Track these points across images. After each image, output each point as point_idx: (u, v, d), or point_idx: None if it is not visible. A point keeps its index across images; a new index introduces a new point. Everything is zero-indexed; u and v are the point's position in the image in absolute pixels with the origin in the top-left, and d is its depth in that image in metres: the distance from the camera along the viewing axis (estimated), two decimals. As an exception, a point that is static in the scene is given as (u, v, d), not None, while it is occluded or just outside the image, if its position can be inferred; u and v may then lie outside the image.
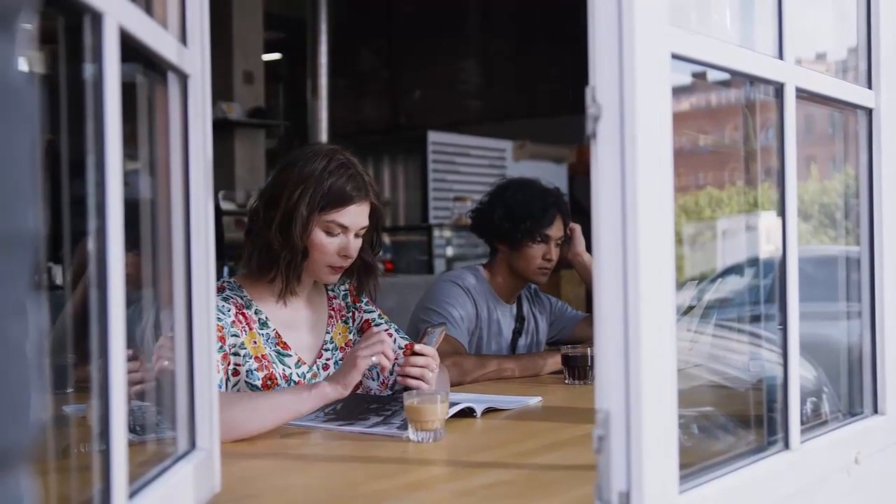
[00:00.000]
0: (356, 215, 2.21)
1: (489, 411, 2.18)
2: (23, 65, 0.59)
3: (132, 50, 1.12)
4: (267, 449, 1.86)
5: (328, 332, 2.35)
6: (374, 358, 1.98)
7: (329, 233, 2.19)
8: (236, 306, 2.18)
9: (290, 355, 2.24)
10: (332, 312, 2.38)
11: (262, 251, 2.20)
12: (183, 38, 1.35)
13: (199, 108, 1.38)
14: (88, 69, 1.02)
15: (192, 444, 1.37)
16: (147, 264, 1.37)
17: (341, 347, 2.36)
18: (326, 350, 2.33)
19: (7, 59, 0.57)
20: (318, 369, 2.29)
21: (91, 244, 1.02)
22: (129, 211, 1.07)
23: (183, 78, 1.35)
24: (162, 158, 1.36)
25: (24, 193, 0.57)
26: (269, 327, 2.23)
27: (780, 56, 1.52)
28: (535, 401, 2.36)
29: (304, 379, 2.25)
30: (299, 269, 2.21)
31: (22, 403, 0.57)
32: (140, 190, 1.36)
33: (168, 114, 1.35)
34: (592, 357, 2.66)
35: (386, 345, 2.02)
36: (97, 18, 1.00)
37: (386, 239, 7.79)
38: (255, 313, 2.22)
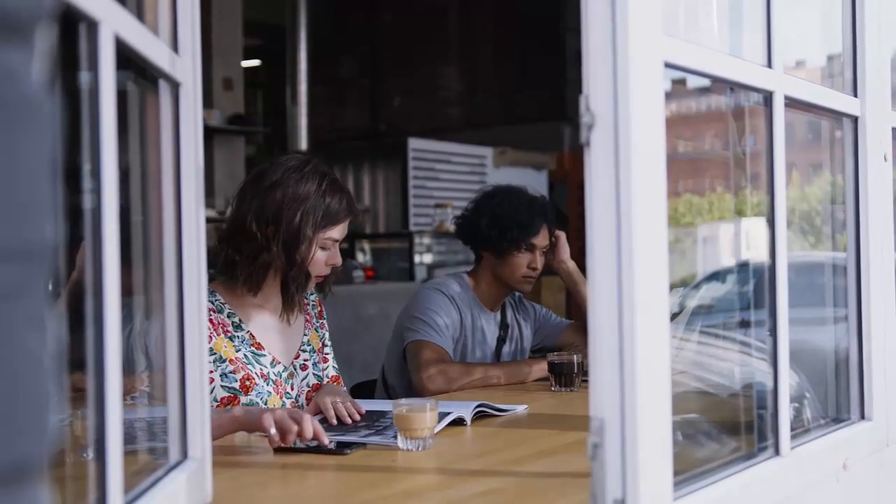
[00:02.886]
0: (345, 228, 2.34)
1: (479, 417, 2.18)
2: (41, 75, 0.59)
3: (124, 57, 1.11)
4: (258, 459, 1.85)
5: (305, 335, 2.42)
6: (272, 431, 1.81)
7: (323, 248, 2.29)
8: None
9: (265, 355, 2.29)
10: (308, 317, 2.46)
11: (261, 269, 2.25)
12: (175, 47, 1.35)
13: (190, 116, 1.37)
14: (83, 76, 1.01)
15: (184, 454, 1.37)
16: (137, 273, 1.36)
17: (318, 350, 2.45)
18: (304, 351, 2.41)
19: (25, 71, 0.57)
20: (295, 369, 2.36)
21: (86, 252, 1.02)
22: (120, 219, 1.06)
23: (175, 86, 1.34)
24: (153, 166, 1.35)
25: (42, 204, 0.57)
26: (243, 329, 2.28)
27: (769, 65, 1.53)
28: (521, 409, 2.36)
29: (281, 378, 2.31)
30: (306, 287, 2.31)
31: (41, 415, 0.57)
32: (130, 197, 1.36)
33: (159, 122, 1.34)
34: (579, 364, 2.67)
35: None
36: (93, 26, 0.99)
37: (366, 246, 7.78)
38: (229, 316, 2.28)
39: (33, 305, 0.57)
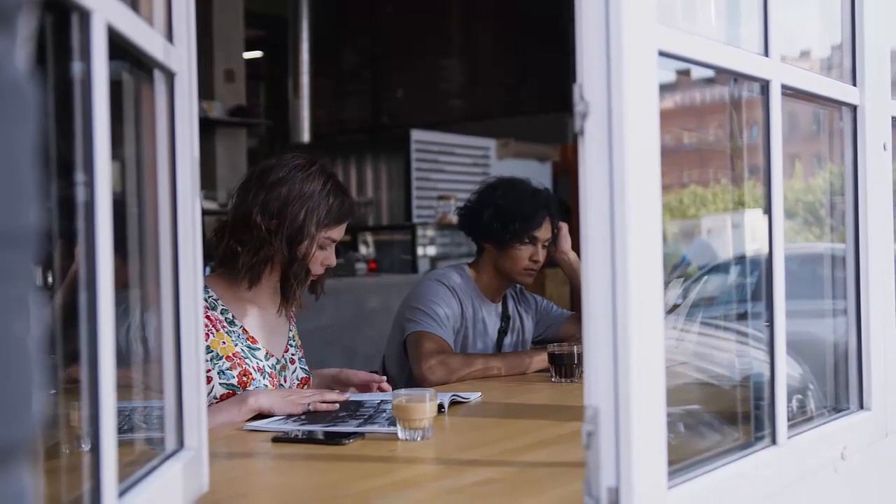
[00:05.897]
0: (343, 230, 2.38)
1: (454, 404, 2.24)
2: (22, 63, 0.59)
3: (118, 48, 1.11)
4: (255, 449, 1.86)
5: (291, 330, 2.48)
6: (310, 407, 2.13)
7: (321, 247, 2.33)
8: None
9: (259, 348, 2.33)
10: (292, 315, 2.50)
11: (262, 262, 2.28)
12: (169, 36, 1.35)
13: (185, 106, 1.37)
14: (76, 67, 1.01)
15: (181, 444, 1.37)
16: (133, 265, 1.36)
17: (300, 346, 2.51)
18: (291, 346, 2.46)
19: (7, 58, 0.57)
20: (286, 362, 2.42)
21: (79, 245, 1.02)
22: (114, 211, 1.06)
23: (170, 76, 1.34)
24: (148, 157, 1.35)
25: (25, 190, 0.57)
26: (236, 325, 2.31)
27: (766, 53, 1.53)
28: (475, 396, 2.39)
29: (275, 370, 2.35)
30: (306, 282, 2.34)
31: (25, 399, 0.57)
32: (125, 190, 1.36)
33: (154, 112, 1.34)
34: (579, 355, 2.67)
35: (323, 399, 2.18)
36: (85, 16, 0.99)
37: (369, 238, 7.78)
38: (221, 313, 2.31)
39: (17, 289, 0.57)
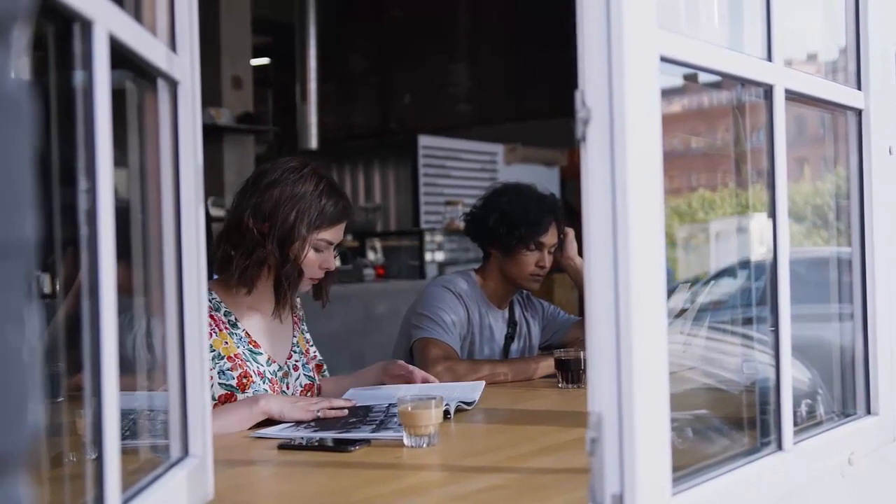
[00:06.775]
0: (341, 232, 2.37)
1: (459, 411, 2.22)
2: (18, 73, 0.59)
3: (121, 56, 1.12)
4: (260, 456, 1.86)
5: (294, 337, 2.47)
6: (319, 413, 2.13)
7: (317, 249, 2.32)
8: None
9: (261, 353, 2.34)
10: (296, 320, 2.51)
11: (255, 265, 2.28)
12: (172, 45, 1.35)
13: (189, 114, 1.38)
14: (78, 76, 1.02)
15: (185, 451, 1.37)
16: (138, 273, 1.37)
17: (305, 352, 2.49)
18: (295, 352, 2.46)
19: (2, 68, 0.57)
20: (289, 369, 2.41)
21: (82, 252, 1.02)
22: (119, 219, 1.06)
23: (173, 85, 1.35)
24: (152, 165, 1.36)
25: (21, 200, 0.58)
26: (239, 328, 2.32)
27: (769, 58, 1.52)
28: (479, 386, 2.43)
29: (276, 377, 2.36)
30: (297, 284, 2.33)
31: (20, 409, 0.57)
32: (130, 198, 1.36)
33: (158, 121, 1.35)
34: (585, 360, 2.66)
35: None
36: (87, 26, 1.00)
37: (377, 244, 7.78)
38: (225, 315, 2.31)
39: (12, 299, 0.57)
